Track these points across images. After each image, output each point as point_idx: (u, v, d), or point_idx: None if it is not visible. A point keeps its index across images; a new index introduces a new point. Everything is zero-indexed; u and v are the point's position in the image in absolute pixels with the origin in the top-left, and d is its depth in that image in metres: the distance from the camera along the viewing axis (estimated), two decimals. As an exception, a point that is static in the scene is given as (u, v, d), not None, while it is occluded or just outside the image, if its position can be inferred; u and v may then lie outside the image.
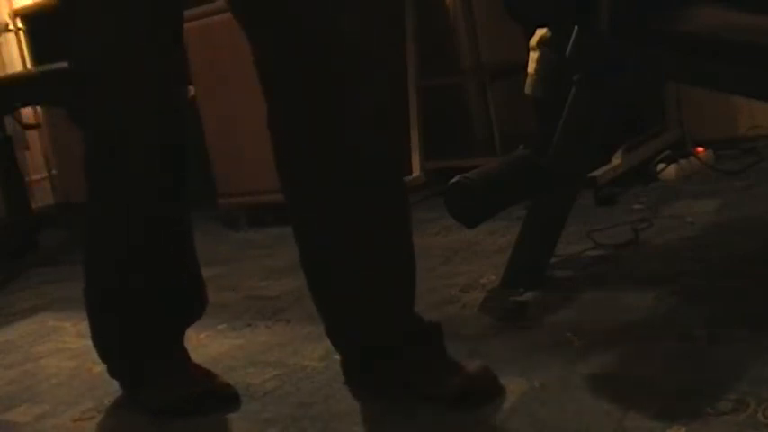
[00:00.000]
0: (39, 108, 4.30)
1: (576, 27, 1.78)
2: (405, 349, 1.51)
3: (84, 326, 1.77)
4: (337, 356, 1.62)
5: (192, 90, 3.37)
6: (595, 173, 2.58)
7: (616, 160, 2.68)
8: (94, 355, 1.74)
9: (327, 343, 1.61)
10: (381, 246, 1.49)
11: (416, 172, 3.14)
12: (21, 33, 4.28)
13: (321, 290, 1.55)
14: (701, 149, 2.81)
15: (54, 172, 4.47)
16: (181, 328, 1.72)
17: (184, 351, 1.71)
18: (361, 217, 1.47)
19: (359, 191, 1.46)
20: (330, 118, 1.43)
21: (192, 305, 1.73)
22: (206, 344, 2.01)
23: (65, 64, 1.85)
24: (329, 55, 1.41)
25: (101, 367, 1.76)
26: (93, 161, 1.58)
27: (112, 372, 1.72)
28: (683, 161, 2.76)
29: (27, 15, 4.22)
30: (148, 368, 1.66)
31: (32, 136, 4.25)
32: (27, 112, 4.16)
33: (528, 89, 2.23)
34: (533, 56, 2.20)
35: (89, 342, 1.73)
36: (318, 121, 1.44)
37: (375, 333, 1.54)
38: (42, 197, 4.39)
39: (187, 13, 3.30)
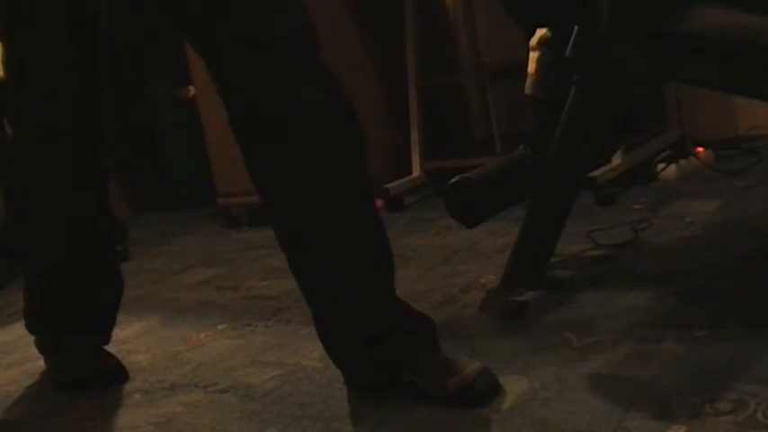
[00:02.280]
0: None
1: (576, 27, 1.78)
2: (403, 332, 1.51)
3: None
4: (337, 356, 1.62)
5: (192, 90, 3.37)
6: (595, 173, 2.58)
7: (616, 160, 2.68)
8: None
9: (327, 343, 1.62)
10: (344, 232, 1.49)
11: (416, 172, 3.14)
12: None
13: (304, 288, 1.56)
14: (701, 149, 2.81)
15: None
16: (99, 308, 1.88)
17: (100, 334, 1.90)
18: (320, 211, 1.48)
19: (312, 187, 1.47)
20: (269, 118, 1.46)
21: (107, 285, 1.89)
22: (206, 344, 2.02)
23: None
24: (258, 59, 1.43)
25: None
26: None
27: (37, 343, 1.92)
28: (683, 161, 2.76)
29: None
30: (64, 341, 1.88)
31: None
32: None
33: (528, 89, 2.23)
34: (533, 56, 2.20)
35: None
36: (260, 121, 1.48)
37: (357, 321, 1.54)
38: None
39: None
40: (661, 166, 2.76)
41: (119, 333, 1.94)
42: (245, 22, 1.41)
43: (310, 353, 1.80)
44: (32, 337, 1.92)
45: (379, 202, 2.76)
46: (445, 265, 2.28)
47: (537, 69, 2.19)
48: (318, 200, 1.48)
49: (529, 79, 2.23)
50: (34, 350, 1.93)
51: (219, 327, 2.12)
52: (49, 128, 1.71)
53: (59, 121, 1.70)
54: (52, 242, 1.81)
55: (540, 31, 2.17)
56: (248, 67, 1.43)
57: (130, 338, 2.12)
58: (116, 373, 1.86)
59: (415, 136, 3.16)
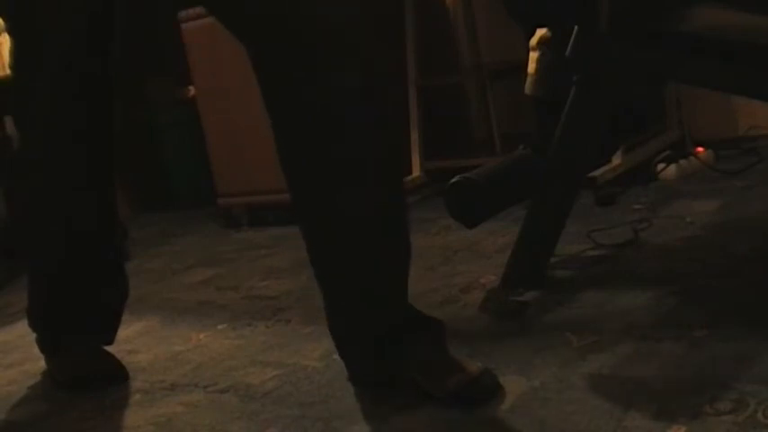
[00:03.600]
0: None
1: (576, 27, 1.78)
2: (405, 333, 1.51)
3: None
4: (337, 356, 1.62)
5: (192, 90, 3.38)
6: (595, 173, 2.58)
7: (616, 160, 2.68)
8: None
9: (327, 343, 1.61)
10: (380, 231, 1.48)
11: (416, 172, 3.14)
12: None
13: (325, 279, 1.55)
14: (701, 149, 2.81)
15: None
16: (99, 308, 1.88)
17: (101, 334, 1.90)
18: (356, 208, 1.46)
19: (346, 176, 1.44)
20: (312, 107, 1.42)
21: (110, 286, 1.89)
22: (206, 344, 2.02)
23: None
24: (300, 42, 1.39)
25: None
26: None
27: (38, 342, 1.91)
28: (683, 161, 2.76)
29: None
30: (64, 341, 1.88)
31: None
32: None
33: (528, 89, 2.23)
34: (533, 56, 2.20)
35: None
36: (302, 112, 1.43)
37: (354, 321, 1.54)
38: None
39: (187, 12, 3.31)
40: (661, 166, 2.77)
41: (119, 333, 1.94)
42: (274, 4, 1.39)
43: (310, 353, 1.80)
44: (32, 338, 1.92)
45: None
46: (445, 265, 2.28)
47: (537, 69, 2.19)
48: (317, 199, 1.47)
49: (529, 79, 2.23)
50: (34, 350, 1.93)
51: (219, 327, 2.12)
52: (49, 128, 1.71)
53: (59, 122, 1.70)
54: (52, 242, 1.81)
55: (540, 31, 2.17)
56: (274, 52, 1.41)
57: (130, 338, 2.13)
58: (116, 373, 1.86)
59: (414, 136, 3.16)
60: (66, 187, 1.76)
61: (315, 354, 1.79)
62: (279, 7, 1.39)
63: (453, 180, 1.88)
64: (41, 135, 1.72)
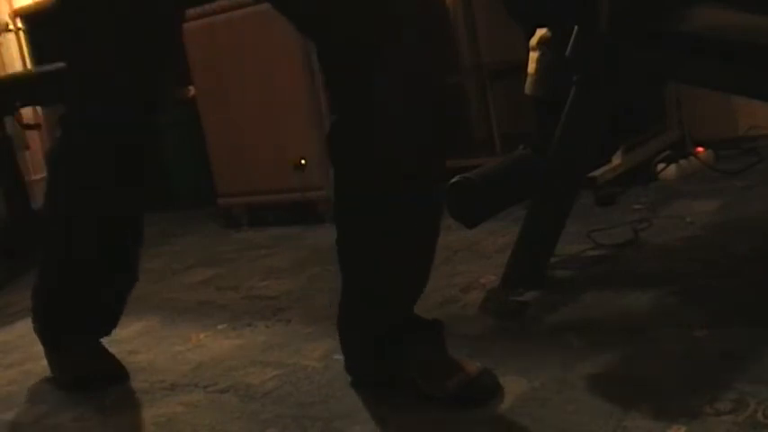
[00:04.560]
0: (39, 108, 4.30)
1: (576, 27, 1.78)
2: (405, 333, 1.52)
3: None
4: (337, 356, 1.62)
5: (192, 90, 3.38)
6: (595, 173, 2.58)
7: (616, 160, 2.68)
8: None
9: (327, 343, 1.62)
10: (379, 231, 1.49)
11: (416, 172, 3.13)
12: (21, 33, 4.28)
13: (342, 275, 1.56)
14: (701, 149, 2.81)
15: (54, 172, 4.46)
16: (100, 309, 1.88)
17: (101, 333, 1.89)
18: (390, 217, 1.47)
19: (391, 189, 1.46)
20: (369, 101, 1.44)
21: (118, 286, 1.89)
22: (206, 344, 2.02)
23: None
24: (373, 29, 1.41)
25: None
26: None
27: (38, 333, 1.91)
28: (683, 161, 2.76)
29: (27, 15, 4.22)
30: (64, 341, 1.88)
31: (32, 136, 4.24)
32: (27, 112, 4.16)
33: (528, 89, 2.23)
34: (533, 56, 2.20)
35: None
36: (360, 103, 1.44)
37: (355, 319, 1.56)
38: (42, 197, 4.38)
39: (188, 12, 3.31)
40: (661, 166, 2.77)
41: (119, 333, 1.94)
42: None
43: (310, 353, 1.80)
44: (32, 338, 1.92)
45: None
46: (445, 265, 2.28)
47: (537, 69, 2.19)
48: (336, 197, 1.49)
49: (529, 79, 2.23)
50: (34, 350, 1.93)
51: (219, 327, 2.12)
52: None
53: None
54: (52, 242, 1.81)
55: (540, 31, 2.17)
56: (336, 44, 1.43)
57: (130, 338, 2.12)
58: (116, 373, 1.86)
59: (415, 136, 3.16)
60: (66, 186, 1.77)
61: (315, 354, 1.79)
62: (306, 7, 1.41)
63: (453, 180, 1.88)
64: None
